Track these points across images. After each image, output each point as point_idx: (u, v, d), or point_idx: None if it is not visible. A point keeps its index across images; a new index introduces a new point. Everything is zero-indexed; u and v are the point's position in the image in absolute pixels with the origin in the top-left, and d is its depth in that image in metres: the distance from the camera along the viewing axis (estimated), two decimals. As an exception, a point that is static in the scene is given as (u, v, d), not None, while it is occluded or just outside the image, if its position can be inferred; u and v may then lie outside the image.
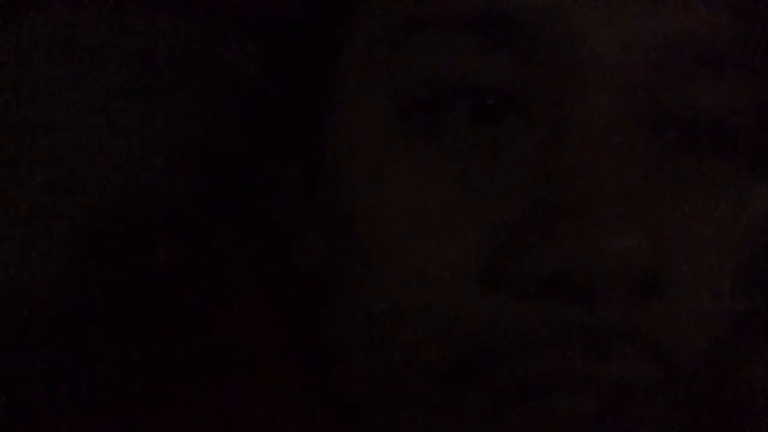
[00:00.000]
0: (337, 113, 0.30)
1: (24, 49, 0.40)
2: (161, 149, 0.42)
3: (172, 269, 0.45)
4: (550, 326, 0.25)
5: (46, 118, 0.42)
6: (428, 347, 0.26)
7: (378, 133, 0.28)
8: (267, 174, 0.35)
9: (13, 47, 0.40)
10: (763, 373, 0.55)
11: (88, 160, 0.43)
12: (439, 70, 0.26)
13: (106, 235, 0.44)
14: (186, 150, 0.41)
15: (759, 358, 0.58)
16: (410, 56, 0.27)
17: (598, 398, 0.25)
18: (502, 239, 0.25)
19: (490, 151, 0.26)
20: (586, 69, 0.25)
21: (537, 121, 0.26)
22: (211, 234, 0.41)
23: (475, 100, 0.26)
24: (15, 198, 0.40)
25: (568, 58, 0.25)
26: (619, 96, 0.25)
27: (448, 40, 0.26)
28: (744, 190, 0.29)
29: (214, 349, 0.36)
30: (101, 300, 0.43)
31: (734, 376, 0.59)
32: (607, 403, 0.25)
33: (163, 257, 0.45)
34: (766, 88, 0.30)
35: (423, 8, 0.27)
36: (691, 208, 0.27)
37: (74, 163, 0.43)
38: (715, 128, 0.28)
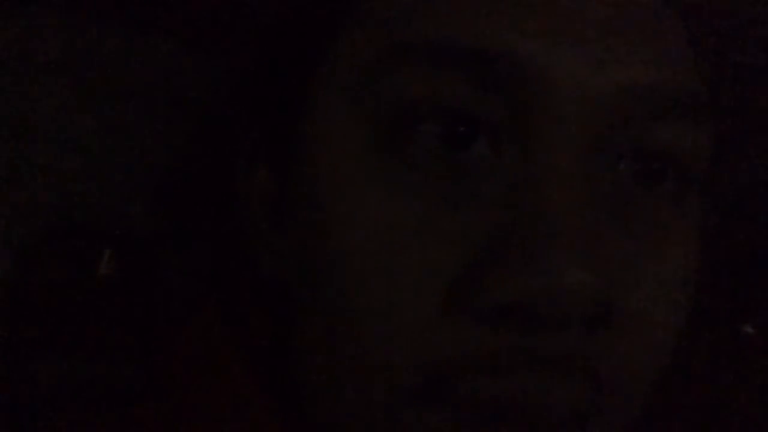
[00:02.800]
0: (312, 130, 0.30)
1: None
2: (116, 161, 0.41)
3: (119, 282, 0.44)
4: (502, 352, 0.25)
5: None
6: (391, 367, 0.26)
7: (350, 152, 0.28)
8: (232, 186, 0.35)
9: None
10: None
11: (35, 172, 0.42)
12: (413, 95, 0.26)
13: (51, 246, 0.42)
14: (145, 161, 0.40)
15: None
16: (385, 80, 0.27)
17: (545, 426, 0.26)
18: (464, 262, 0.25)
19: (458, 175, 0.26)
20: (553, 104, 0.26)
21: (503, 150, 0.27)
22: (166, 248, 0.40)
23: (446, 126, 0.26)
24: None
25: (536, 92, 0.26)
26: (583, 133, 0.26)
27: (423, 67, 0.26)
28: (695, 232, 0.30)
29: (162, 365, 0.35)
30: (44, 312, 0.42)
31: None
32: (560, 425, 0.26)
33: (109, 269, 0.44)
34: (724, 135, 0.32)
35: (400, 35, 0.27)
36: (645, 246, 0.28)
37: (21, 175, 0.42)
38: (673, 170, 0.29)
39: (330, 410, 0.29)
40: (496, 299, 0.24)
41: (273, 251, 0.33)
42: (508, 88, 0.26)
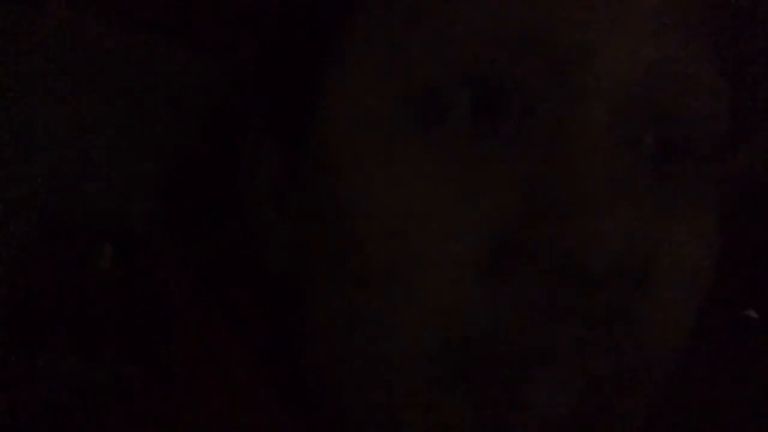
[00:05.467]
0: (334, 103, 0.30)
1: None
2: (116, 157, 0.41)
3: (119, 278, 0.43)
4: (544, 309, 0.25)
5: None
6: (421, 338, 0.26)
7: (378, 121, 0.28)
8: (235, 179, 0.34)
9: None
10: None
11: (34, 169, 0.42)
12: (443, 63, 0.27)
13: (50, 243, 0.42)
14: (146, 157, 0.40)
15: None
16: (413, 47, 0.27)
17: (585, 384, 0.26)
18: (502, 223, 0.26)
19: (493, 141, 0.27)
20: (589, 70, 0.26)
21: (538, 115, 0.27)
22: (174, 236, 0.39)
23: (479, 95, 0.27)
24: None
25: (572, 60, 0.26)
26: (617, 100, 0.27)
27: (452, 33, 0.27)
28: (713, 212, 0.31)
29: (164, 362, 0.35)
30: (43, 309, 0.41)
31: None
32: (590, 391, 0.26)
33: (108, 266, 0.43)
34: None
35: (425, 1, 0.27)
36: (669, 218, 0.28)
37: (20, 172, 0.42)
38: (696, 145, 0.29)
39: (347, 398, 0.29)
40: (533, 260, 0.25)
41: (281, 239, 0.32)
42: (543, 57, 0.26)
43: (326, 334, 0.29)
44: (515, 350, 0.25)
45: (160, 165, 0.40)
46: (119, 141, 0.41)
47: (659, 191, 0.28)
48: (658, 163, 0.28)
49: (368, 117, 0.28)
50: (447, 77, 0.26)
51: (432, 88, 0.27)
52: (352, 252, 0.27)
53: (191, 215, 0.39)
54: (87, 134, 0.41)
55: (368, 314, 0.27)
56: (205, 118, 0.38)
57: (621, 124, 0.27)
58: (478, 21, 0.26)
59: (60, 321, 0.41)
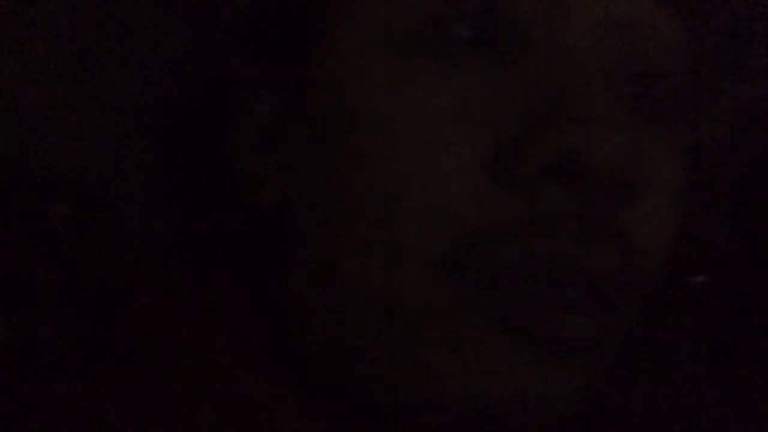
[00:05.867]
0: (337, 44, 0.31)
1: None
2: (79, 109, 0.39)
3: (77, 236, 0.41)
4: (541, 217, 0.27)
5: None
6: (427, 244, 0.27)
7: (379, 54, 0.29)
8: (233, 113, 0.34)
9: None
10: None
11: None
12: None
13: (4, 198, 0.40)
14: (111, 112, 0.38)
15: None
16: None
17: (582, 289, 0.27)
18: (502, 135, 0.27)
19: (490, 65, 0.28)
20: (576, 4, 0.28)
21: (532, 41, 0.29)
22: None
23: (476, 26, 0.28)
24: None
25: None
26: (604, 31, 0.29)
27: None
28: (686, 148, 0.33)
29: (125, 322, 0.34)
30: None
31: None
32: (587, 295, 0.27)
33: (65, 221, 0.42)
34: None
35: None
36: (657, 141, 0.30)
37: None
38: (668, 96, 0.31)
39: (346, 331, 0.29)
40: (537, 162, 0.26)
41: (275, 176, 0.33)
42: None
43: (322, 258, 0.30)
44: (518, 257, 0.27)
45: (125, 119, 0.38)
46: (84, 91, 0.39)
47: (644, 119, 0.30)
48: (644, 93, 0.30)
49: (374, 45, 0.29)
50: (446, 11, 0.28)
51: (433, 21, 0.28)
52: (357, 167, 0.29)
53: (156, 168, 0.38)
54: (47, 86, 0.39)
55: (372, 225, 0.28)
56: (183, 69, 0.36)
57: (606, 51, 0.29)
58: None
59: (14, 279, 0.40)
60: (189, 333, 0.32)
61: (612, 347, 0.30)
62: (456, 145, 0.27)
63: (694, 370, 0.48)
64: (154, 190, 0.37)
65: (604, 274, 0.27)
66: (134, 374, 0.31)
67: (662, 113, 0.31)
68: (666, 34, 0.31)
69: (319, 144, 0.31)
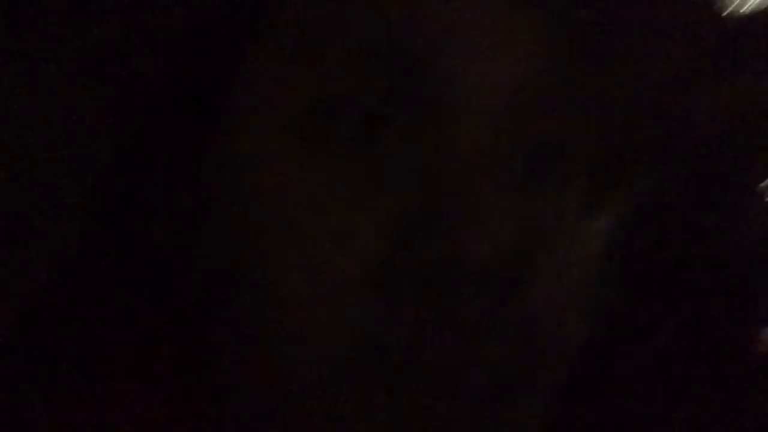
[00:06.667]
0: (233, 124, 0.31)
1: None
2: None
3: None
4: (430, 320, 0.27)
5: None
6: (319, 346, 0.27)
7: (270, 144, 0.30)
8: (153, 183, 0.35)
9: None
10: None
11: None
12: (325, 90, 0.28)
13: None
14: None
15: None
16: (301, 75, 0.28)
17: (480, 386, 0.28)
18: (386, 243, 0.27)
19: (373, 161, 0.29)
20: (459, 96, 0.29)
21: (415, 138, 0.29)
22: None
23: (360, 119, 0.29)
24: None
25: (443, 82, 0.29)
26: (487, 121, 0.29)
27: (339, 60, 0.28)
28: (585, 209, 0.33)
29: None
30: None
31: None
32: (488, 391, 0.28)
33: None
34: (608, 121, 0.35)
35: (315, 30, 0.29)
36: (547, 217, 0.31)
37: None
38: (564, 157, 0.32)
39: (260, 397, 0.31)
40: (417, 269, 0.27)
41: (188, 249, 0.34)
42: (418, 84, 0.28)
43: (232, 335, 0.31)
44: (414, 363, 0.27)
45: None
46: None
47: (535, 201, 0.31)
48: (534, 174, 0.31)
49: (264, 127, 0.30)
50: (332, 98, 0.28)
51: (319, 108, 0.28)
52: (250, 259, 0.29)
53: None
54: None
55: (267, 308, 0.29)
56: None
57: (492, 140, 0.29)
58: (352, 48, 0.29)
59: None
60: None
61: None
62: (334, 246, 0.27)
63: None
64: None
65: (500, 370, 0.28)
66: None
67: (564, 172, 0.32)
68: (565, 114, 0.31)
69: (220, 220, 0.31)
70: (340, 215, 0.28)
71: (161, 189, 0.35)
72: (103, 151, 0.37)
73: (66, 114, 0.35)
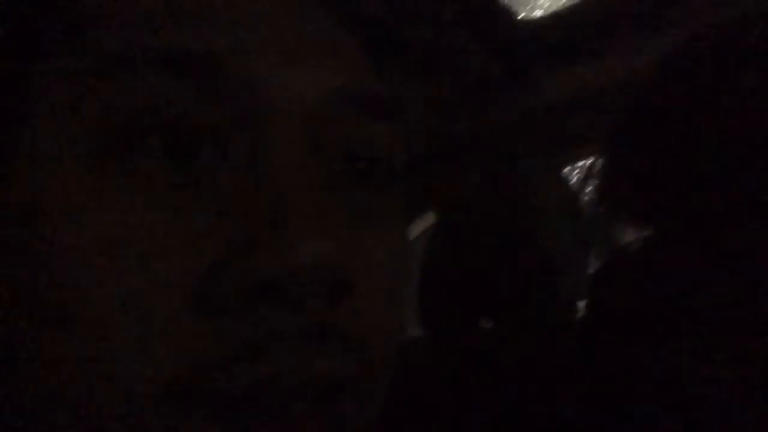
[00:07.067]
0: (32, 150, 0.28)
1: None
2: None
3: None
4: (260, 334, 0.26)
5: None
6: (143, 374, 0.26)
7: (75, 168, 0.27)
8: None
9: None
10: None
11: None
12: (131, 106, 0.26)
13: None
14: None
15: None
16: (101, 91, 0.27)
17: (312, 398, 0.27)
18: (206, 262, 0.26)
19: (188, 183, 0.27)
20: (269, 106, 0.28)
21: (231, 153, 0.27)
22: None
23: (169, 137, 0.27)
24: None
25: (253, 96, 0.27)
26: (299, 133, 0.28)
27: (139, 76, 0.27)
28: (401, 217, 0.34)
29: None
30: None
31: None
32: (319, 402, 0.27)
33: None
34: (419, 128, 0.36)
35: (115, 46, 0.27)
36: (366, 229, 0.30)
37: None
38: (379, 165, 0.32)
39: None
40: (241, 285, 0.25)
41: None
42: (226, 95, 0.27)
43: (40, 372, 0.27)
44: (241, 380, 0.26)
45: None
46: None
47: (353, 209, 0.30)
48: (352, 180, 0.30)
49: (61, 155, 0.27)
50: (132, 124, 0.27)
51: (120, 134, 0.27)
52: (66, 290, 0.26)
53: None
54: None
55: (83, 348, 0.26)
56: None
57: (309, 149, 0.28)
58: (156, 61, 0.27)
59: None
60: None
61: None
62: (153, 276, 0.26)
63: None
64: None
65: (330, 378, 0.27)
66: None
67: (381, 181, 0.31)
68: (378, 121, 0.31)
69: (24, 258, 0.28)
70: (153, 238, 0.26)
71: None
72: None
73: None
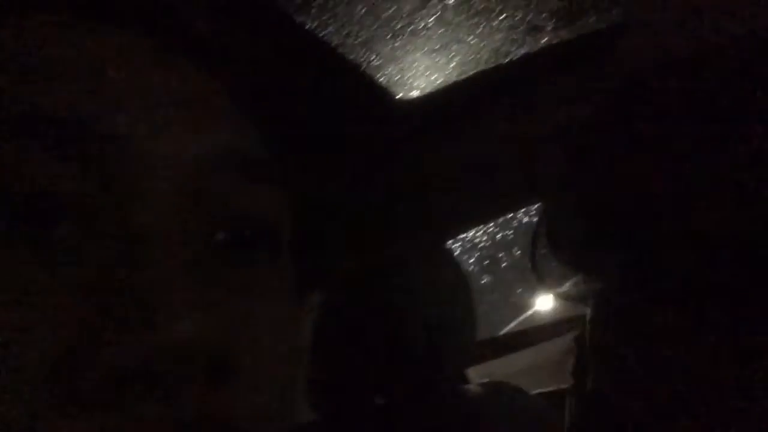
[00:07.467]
0: None
1: None
2: None
3: None
4: (128, 430, 0.23)
5: None
6: None
7: None
8: None
9: None
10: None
11: None
12: None
13: None
14: None
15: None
16: None
17: None
18: (66, 348, 0.23)
19: (47, 257, 0.24)
20: (139, 176, 0.26)
21: (95, 224, 0.25)
22: None
23: (27, 205, 0.24)
24: None
25: (121, 166, 0.26)
26: (173, 203, 0.26)
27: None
28: (286, 290, 0.32)
29: None
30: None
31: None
32: None
33: None
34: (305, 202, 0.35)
35: None
36: (252, 303, 0.28)
37: None
38: (262, 237, 0.30)
39: None
40: (104, 372, 0.23)
41: None
42: (90, 160, 0.25)
43: None
44: None
45: None
46: None
47: (234, 283, 0.28)
48: (235, 251, 0.29)
49: None
50: None
51: None
52: None
53: None
54: None
55: None
56: None
57: (181, 219, 0.26)
58: (14, 120, 0.25)
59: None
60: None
61: None
62: (6, 350, 0.23)
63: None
64: None
65: None
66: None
67: (266, 251, 0.30)
68: (254, 173, 0.29)
69: None
70: (9, 312, 0.23)
71: None
72: None
73: None
